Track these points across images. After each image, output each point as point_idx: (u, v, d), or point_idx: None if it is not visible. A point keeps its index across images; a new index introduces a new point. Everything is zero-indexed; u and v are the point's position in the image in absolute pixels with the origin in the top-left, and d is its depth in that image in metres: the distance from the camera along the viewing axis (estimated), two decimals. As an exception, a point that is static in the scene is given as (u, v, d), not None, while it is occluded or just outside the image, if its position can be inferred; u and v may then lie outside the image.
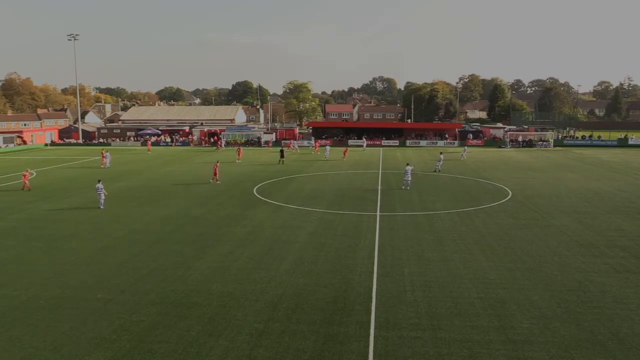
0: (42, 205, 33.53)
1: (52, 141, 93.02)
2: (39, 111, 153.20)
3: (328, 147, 65.94)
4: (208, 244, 23.67)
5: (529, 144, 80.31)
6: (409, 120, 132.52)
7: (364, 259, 21.09)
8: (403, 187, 38.34)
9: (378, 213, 29.96)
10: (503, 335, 14.12)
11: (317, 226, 26.97)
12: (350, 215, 29.58)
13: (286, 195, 36.44)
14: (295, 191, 38.26)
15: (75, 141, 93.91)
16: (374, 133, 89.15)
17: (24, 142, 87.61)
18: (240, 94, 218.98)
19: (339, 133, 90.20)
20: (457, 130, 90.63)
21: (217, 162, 46.24)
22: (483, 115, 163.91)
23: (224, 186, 40.75)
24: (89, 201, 34.56)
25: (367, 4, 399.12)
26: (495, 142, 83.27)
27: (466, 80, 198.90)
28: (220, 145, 79.27)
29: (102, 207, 31.91)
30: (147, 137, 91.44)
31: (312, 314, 15.68)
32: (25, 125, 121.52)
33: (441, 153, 47.30)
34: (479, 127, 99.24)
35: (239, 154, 62.39)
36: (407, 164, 41.36)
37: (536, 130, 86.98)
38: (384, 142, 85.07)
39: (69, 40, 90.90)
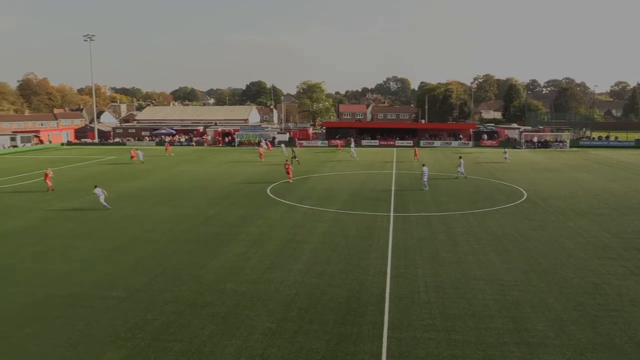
0: (57, 204, 33.91)
1: (68, 141, 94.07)
2: (56, 111, 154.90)
3: (353, 148, 65.36)
4: (222, 243, 23.77)
5: (544, 144, 79.56)
6: (422, 121, 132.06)
7: (377, 260, 21.04)
8: (424, 188, 38.10)
9: (392, 214, 29.87)
10: (517, 338, 14.00)
11: (331, 226, 26.95)
12: (364, 215, 29.52)
13: (300, 195, 36.47)
14: (309, 191, 38.27)
15: (91, 141, 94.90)
16: (388, 133, 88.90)
17: (41, 142, 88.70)
18: (254, 94, 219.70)
19: (352, 133, 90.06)
20: (471, 130, 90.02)
21: (286, 161, 46.50)
22: (498, 115, 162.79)
23: (237, 186, 40.89)
24: (105, 200, 34.86)
25: (382, 5, 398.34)
26: (510, 143, 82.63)
27: (481, 81, 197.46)
28: (270, 147, 75.92)
29: (108, 207, 32.03)
30: (163, 137, 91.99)
31: (325, 314, 15.68)
32: (42, 124, 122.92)
33: (460, 157, 46.87)
34: (494, 128, 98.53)
35: (260, 154, 62.73)
36: (423, 165, 41.33)
37: (552, 131, 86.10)
38: (398, 142, 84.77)
39: (85, 40, 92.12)
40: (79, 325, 15.04)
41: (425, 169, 39.50)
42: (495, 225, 26.83)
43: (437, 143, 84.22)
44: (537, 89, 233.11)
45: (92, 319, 15.48)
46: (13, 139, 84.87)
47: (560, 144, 79.09)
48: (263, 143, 76.90)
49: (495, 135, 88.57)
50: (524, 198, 34.74)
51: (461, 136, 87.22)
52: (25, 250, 22.97)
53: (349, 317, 15.43)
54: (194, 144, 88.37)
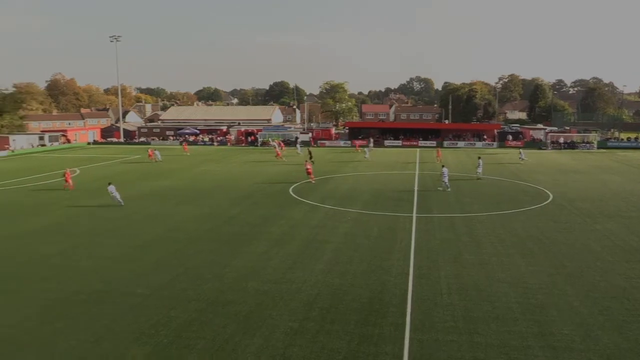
0: (83, 202, 34.51)
1: (94, 140, 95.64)
2: (82, 111, 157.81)
3: (367, 149, 65.26)
4: (244, 242, 23.91)
5: (570, 145, 78.16)
6: (446, 121, 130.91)
7: (399, 261, 20.93)
8: (442, 189, 37.86)
9: (414, 214, 29.69)
10: (542, 342, 13.78)
11: (353, 227, 26.90)
12: (386, 216, 29.40)
13: (322, 195, 36.49)
14: (331, 191, 38.26)
15: (116, 140, 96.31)
16: (411, 134, 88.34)
17: (68, 141, 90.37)
18: (277, 94, 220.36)
19: (374, 133, 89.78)
20: (495, 131, 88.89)
21: (306, 161, 46.93)
22: (523, 116, 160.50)
23: (260, 186, 41.09)
24: (128, 199, 35.38)
25: (404, 4, 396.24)
26: (536, 144, 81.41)
27: (506, 80, 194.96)
28: (282, 147, 73.00)
29: (122, 203, 33.05)
30: (186, 137, 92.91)
31: (347, 314, 15.65)
32: (69, 124, 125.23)
33: (479, 157, 46.39)
34: (519, 128, 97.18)
35: (277, 154, 62.96)
36: (443, 166, 41.05)
37: (578, 132, 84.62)
38: (421, 142, 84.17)
39: (111, 41, 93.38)
40: (104, 322, 15.29)
41: (445, 170, 39.23)
42: (520, 227, 26.46)
43: (460, 144, 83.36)
44: (564, 89, 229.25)
45: (117, 316, 15.72)
46: (41, 138, 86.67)
47: (588, 145, 77.63)
48: (275, 143, 77.01)
49: (520, 135, 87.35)
50: (549, 200, 34.20)
51: (485, 137, 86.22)
52: (52, 248, 23.42)
53: (370, 317, 15.38)
54: (215, 143, 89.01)
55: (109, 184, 34.36)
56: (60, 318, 15.61)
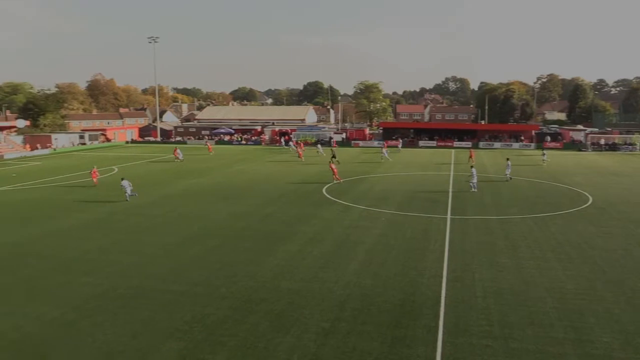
0: (121, 199, 35.19)
1: (132, 139, 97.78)
2: (121, 110, 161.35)
3: (385, 150, 64.08)
4: (278, 241, 24.06)
5: (612, 147, 75.93)
6: (482, 122, 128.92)
7: (433, 263, 20.72)
8: (472, 190, 37.44)
9: (449, 216, 29.35)
10: (580, 349, 13.43)
11: (386, 228, 26.77)
12: (420, 217, 29.15)
13: (355, 195, 36.42)
14: (365, 192, 38.16)
15: (153, 139, 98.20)
16: (446, 134, 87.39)
17: (107, 140, 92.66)
18: (311, 94, 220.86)
19: (409, 134, 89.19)
20: (533, 132, 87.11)
21: (330, 162, 47.11)
22: (562, 116, 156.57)
23: (294, 185, 41.30)
24: (165, 197, 36.17)
25: (441, 3, 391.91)
26: (575, 145, 79.42)
27: (544, 80, 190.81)
28: (301, 147, 71.16)
29: (128, 199, 34.55)
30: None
31: (379, 315, 15.59)
32: (108, 123, 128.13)
33: (508, 159, 45.60)
34: (558, 129, 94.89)
35: (299, 155, 63.29)
36: (472, 167, 40.58)
37: (620, 133, 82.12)
38: (456, 143, 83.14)
39: (149, 43, 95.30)
40: (141, 316, 15.62)
41: (473, 170, 38.87)
42: (558, 231, 25.86)
43: (497, 145, 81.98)
44: (605, 89, 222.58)
45: (153, 311, 16.04)
46: (82, 137, 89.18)
47: (630, 147, 75.25)
48: (292, 144, 77.28)
49: (559, 137, 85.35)
50: (589, 203, 33.30)
51: (522, 138, 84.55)
52: (92, 243, 24.05)
53: (403, 319, 15.27)
54: (245, 142, 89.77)
55: (122, 179, 35.71)
56: (99, 312, 16.02)
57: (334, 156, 58.03)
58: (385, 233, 25.60)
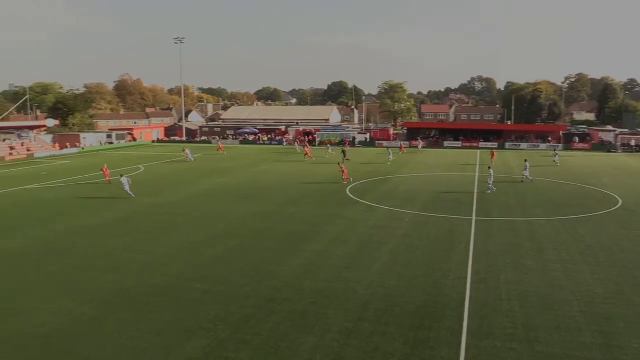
0: (146, 198, 35.80)
1: (158, 138, 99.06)
2: (148, 110, 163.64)
3: (391, 151, 61.96)
4: (301, 241, 24.11)
5: (643, 148, 74.16)
6: (509, 122, 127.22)
7: (457, 264, 20.52)
8: (490, 191, 36.98)
9: (474, 217, 29.03)
10: (608, 354, 13.15)
11: (410, 228, 26.61)
12: (445, 218, 28.91)
13: (379, 195, 36.30)
14: (389, 192, 38.01)
15: (179, 138, 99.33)
16: (471, 134, 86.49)
17: (134, 139, 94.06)
18: (336, 94, 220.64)
19: (430, 134, 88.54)
20: (561, 132, 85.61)
21: (339, 163, 47.26)
22: (591, 117, 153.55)
23: (317, 185, 41.34)
24: (189, 196, 36.57)
25: (467, 3, 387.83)
26: (604, 146, 77.80)
27: (573, 80, 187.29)
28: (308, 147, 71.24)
29: (132, 195, 35.36)
30: (246, 136, 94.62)
31: (402, 316, 15.50)
32: (135, 123, 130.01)
33: (526, 160, 44.95)
34: (586, 130, 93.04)
35: (307, 152, 63.50)
36: (489, 168, 40.07)
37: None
38: (482, 144, 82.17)
39: (175, 43, 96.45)
40: (165, 314, 15.81)
41: (491, 171, 38.48)
42: (586, 233, 25.36)
43: (523, 145, 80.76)
44: (636, 89, 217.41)
45: (177, 309, 16.22)
46: (109, 136, 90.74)
47: (662, 148, 73.43)
48: (297, 144, 78.06)
49: (588, 137, 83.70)
50: (618, 205, 32.58)
51: (550, 138, 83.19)
52: (117, 241, 24.43)
53: (426, 321, 15.16)
54: (269, 142, 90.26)
55: (121, 175, 36.78)
56: (124, 309, 16.27)
57: (344, 155, 58.57)
58: (410, 234, 25.45)
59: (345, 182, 41.80)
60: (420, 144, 77.75)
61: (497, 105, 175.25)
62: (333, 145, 78.80)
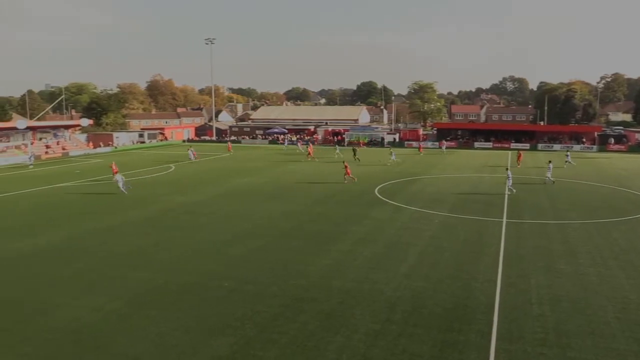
0: (177, 197, 36.26)
1: (189, 138, 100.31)
2: (179, 110, 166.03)
3: (394, 152, 60.43)
4: (328, 241, 24.08)
5: (682, 150, 71.89)
6: (541, 123, 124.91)
7: (487, 267, 20.21)
8: (509, 193, 36.31)
9: (504, 219, 28.56)
10: (644, 361, 12.77)
11: (439, 230, 26.33)
12: (474, 220, 28.50)
13: (407, 196, 36.03)
14: (417, 193, 37.70)
15: (209, 138, 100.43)
16: (502, 135, 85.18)
17: (165, 138, 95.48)
18: (365, 94, 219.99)
19: (464, 135, 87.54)
20: (596, 133, 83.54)
21: (344, 161, 47.30)
22: (627, 117, 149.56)
23: (345, 185, 41.23)
24: (216, 195, 36.94)
25: (497, 1, 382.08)
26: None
27: (608, 80, 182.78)
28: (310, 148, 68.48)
29: (125, 192, 37.18)
30: (276, 136, 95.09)
31: (430, 318, 15.34)
32: (166, 122, 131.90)
33: (550, 161, 44.02)
34: (622, 131, 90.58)
35: (309, 151, 64.06)
36: (507, 169, 39.39)
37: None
38: (513, 144, 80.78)
39: (206, 44, 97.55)
40: (192, 312, 15.97)
41: (509, 172, 37.72)
42: (621, 237, 24.69)
43: (556, 146, 79.12)
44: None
45: (205, 306, 16.37)
46: (141, 136, 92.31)
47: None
48: (299, 144, 78.24)
49: (624, 139, 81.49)
50: (655, 209, 31.65)
51: (584, 139, 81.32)
52: (146, 239, 24.78)
53: (455, 324, 14.96)
54: (315, 142, 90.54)
55: (117, 173, 39.78)
56: (152, 306, 16.49)
57: (354, 154, 58.99)
58: (438, 235, 25.18)
59: (347, 182, 41.93)
60: (444, 145, 76.67)
61: (530, 106, 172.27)
62: (359, 145, 78.71)
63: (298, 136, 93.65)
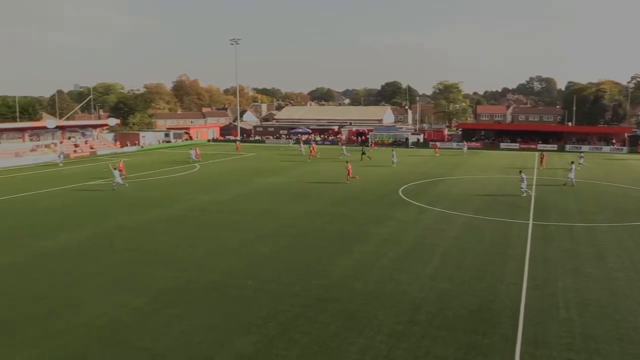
0: (201, 196, 36.60)
1: (214, 137, 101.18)
2: (204, 110, 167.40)
3: (395, 153, 58.41)
4: (351, 241, 24.04)
5: None
6: (569, 123, 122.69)
7: (512, 269, 19.94)
8: (524, 194, 35.73)
9: (530, 222, 28.14)
10: (675, 368, 12.44)
11: (463, 231, 26.07)
12: (500, 222, 28.15)
13: (432, 197, 35.76)
14: (442, 194, 37.39)
15: (234, 138, 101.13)
16: (529, 136, 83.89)
17: (190, 138, 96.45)
18: (389, 94, 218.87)
19: (489, 135, 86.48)
20: (626, 134, 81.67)
21: (347, 162, 47.58)
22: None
23: (369, 186, 41.10)
24: (240, 195, 37.19)
25: (525, 1, 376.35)
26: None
27: (639, 80, 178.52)
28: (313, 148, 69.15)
29: (115, 188, 38.90)
30: (299, 136, 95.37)
31: (454, 321, 15.20)
32: (191, 122, 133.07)
33: (572, 162, 43.13)
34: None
35: (312, 151, 64.79)
36: (520, 171, 38.79)
37: None
38: (540, 145, 79.48)
39: (231, 44, 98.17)
40: (216, 310, 16.11)
41: (523, 175, 37.07)
42: (652, 241, 24.11)
43: (585, 148, 77.55)
44: None
45: (229, 305, 16.51)
46: (167, 135, 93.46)
47: None
48: (301, 144, 78.70)
49: (655, 140, 79.49)
50: (688, 212, 30.81)
51: (614, 141, 79.56)
52: (171, 238, 25.08)
53: (479, 326, 14.80)
54: (322, 142, 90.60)
55: (114, 168, 41.34)
56: (178, 304, 16.68)
57: (363, 153, 60.00)
58: (463, 237, 24.94)
59: (348, 182, 41.97)
60: (466, 145, 75.61)
61: (557, 106, 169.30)
62: (385, 145, 78.56)
63: (296, 137, 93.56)
